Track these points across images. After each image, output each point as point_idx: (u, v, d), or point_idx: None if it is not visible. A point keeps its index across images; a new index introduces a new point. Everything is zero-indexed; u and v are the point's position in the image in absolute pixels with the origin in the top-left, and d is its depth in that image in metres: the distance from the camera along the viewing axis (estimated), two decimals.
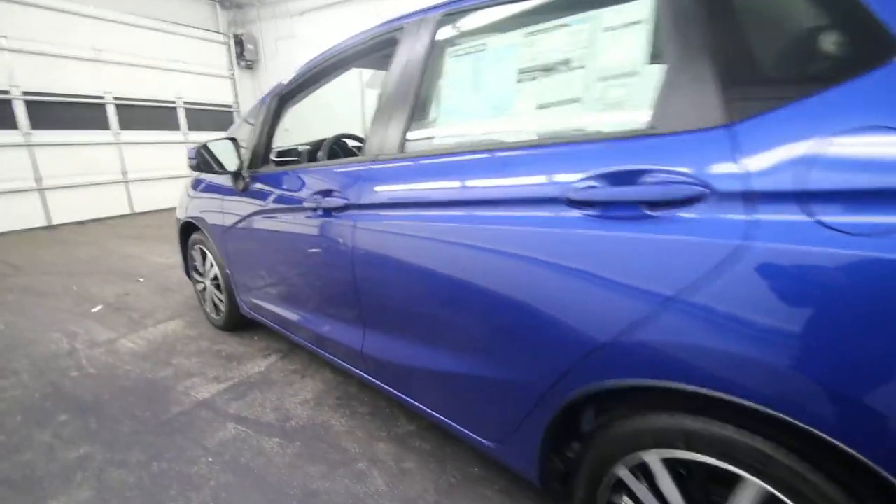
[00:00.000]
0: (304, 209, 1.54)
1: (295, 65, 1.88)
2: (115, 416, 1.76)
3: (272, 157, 2.04)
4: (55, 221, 5.75)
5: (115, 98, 6.16)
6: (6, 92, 5.18)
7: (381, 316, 1.36)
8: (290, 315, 1.83)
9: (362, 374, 1.53)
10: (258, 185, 1.86)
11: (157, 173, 6.63)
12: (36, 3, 5.30)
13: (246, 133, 2.00)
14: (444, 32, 1.25)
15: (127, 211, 6.49)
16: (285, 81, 1.84)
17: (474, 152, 1.08)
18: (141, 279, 3.57)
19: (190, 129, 7.06)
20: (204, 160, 1.85)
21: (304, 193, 1.56)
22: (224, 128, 7.55)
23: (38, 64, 5.37)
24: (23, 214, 5.43)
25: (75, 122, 5.78)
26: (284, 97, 1.87)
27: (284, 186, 1.70)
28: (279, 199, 1.71)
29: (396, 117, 1.28)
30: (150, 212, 6.77)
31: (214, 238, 2.24)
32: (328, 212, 1.44)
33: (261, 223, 1.83)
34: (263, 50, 7.64)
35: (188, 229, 2.56)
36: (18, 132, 5.31)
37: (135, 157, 6.43)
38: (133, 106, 6.38)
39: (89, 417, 1.75)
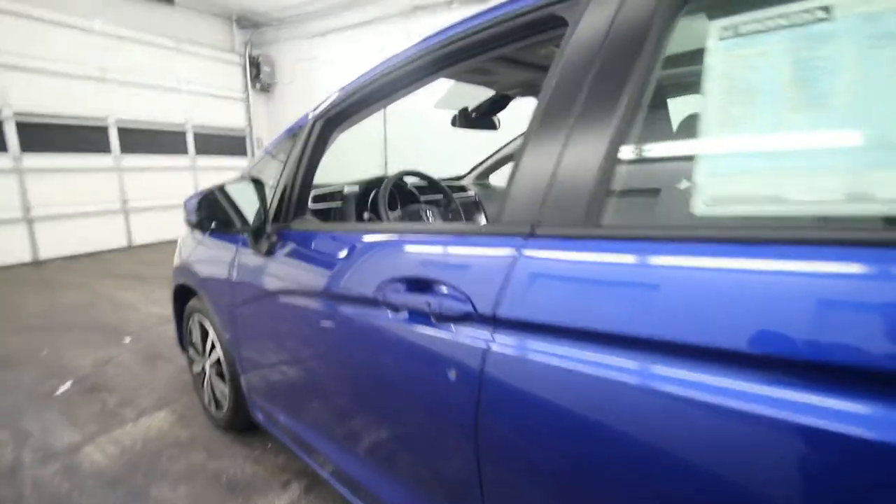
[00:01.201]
0: (373, 303, 0.89)
1: (315, 88, 1.29)
2: None
3: (310, 204, 1.41)
4: (43, 256, 5.15)
5: (119, 120, 5.65)
6: None
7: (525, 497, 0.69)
8: (339, 454, 1.15)
9: None
10: (290, 249, 1.22)
11: (160, 201, 6.06)
12: (35, 17, 4.84)
13: (271, 171, 1.38)
14: None
15: (124, 244, 5.89)
16: (336, 96, 1.21)
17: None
18: (128, 339, 2.91)
19: (198, 153, 6.54)
20: (212, 213, 1.21)
21: (371, 277, 0.92)
22: (235, 153, 7.03)
23: (34, 82, 4.88)
24: (5, 248, 4.83)
25: (72, 146, 5.25)
26: (334, 119, 1.24)
27: (334, 257, 1.05)
28: (326, 278, 1.06)
29: (598, 142, 0.64)
30: (150, 244, 6.17)
31: (220, 313, 1.59)
32: (425, 317, 0.79)
33: (292, 308, 1.18)
34: (281, 72, 7.19)
35: (186, 290, 1.91)
36: (7, 155, 4.76)
37: (137, 183, 5.88)
38: (137, 129, 5.86)
39: None
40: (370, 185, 1.61)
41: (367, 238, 0.99)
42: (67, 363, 2.56)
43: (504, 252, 0.70)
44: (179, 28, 6.32)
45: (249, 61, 7.09)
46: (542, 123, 0.70)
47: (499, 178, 2.56)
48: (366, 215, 1.49)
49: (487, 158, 2.41)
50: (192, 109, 6.45)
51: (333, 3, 6.11)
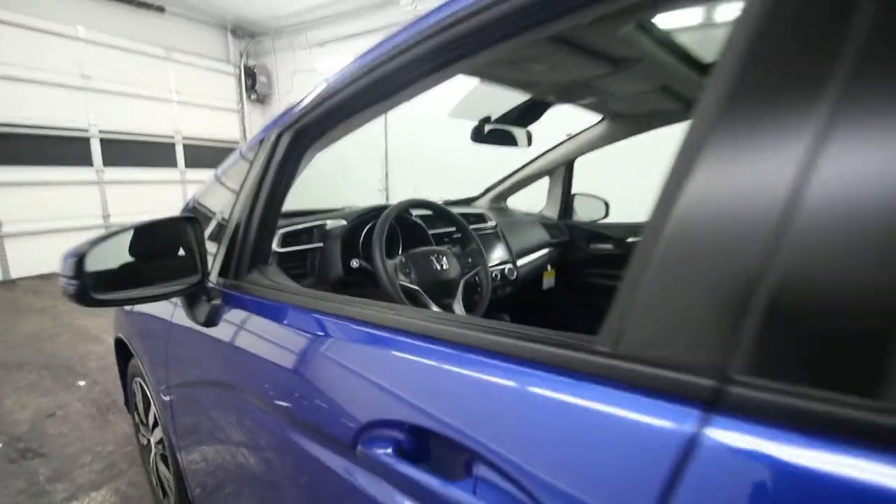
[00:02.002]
0: (358, 457, 0.50)
1: None
2: None
3: (276, 247, 1.02)
4: (14, 275, 4.75)
5: (102, 131, 5.30)
6: None
7: None
8: None
9: None
10: (239, 320, 0.83)
11: (145, 217, 5.67)
12: (11, 22, 4.52)
13: (220, 203, 1.00)
14: None
15: None
16: (310, 99, 0.83)
17: None
18: (82, 382, 2.50)
19: (188, 166, 6.18)
20: (109, 274, 0.80)
21: (358, 408, 0.52)
22: None
23: (9, 91, 4.53)
24: None
25: (50, 158, 4.89)
26: (308, 131, 0.86)
27: (300, 350, 0.66)
28: (287, 387, 0.67)
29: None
30: None
31: (157, 388, 1.19)
32: None
33: (242, 414, 0.79)
34: (278, 83, 6.88)
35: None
36: None
37: (120, 197, 5.51)
38: (122, 140, 5.51)
39: None
40: (362, 219, 1.23)
41: (353, 333, 0.60)
42: (4, 416, 2.15)
43: (655, 428, 0.31)
44: (171, 36, 6.02)
45: (245, 71, 6.78)
46: (728, 139, 0.31)
47: (519, 202, 2.18)
48: (354, 263, 1.10)
49: (506, 178, 2.04)
50: (182, 121, 6.11)
51: (332, 13, 5.82)
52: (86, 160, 5.22)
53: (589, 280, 2.00)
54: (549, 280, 1.92)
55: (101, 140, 5.32)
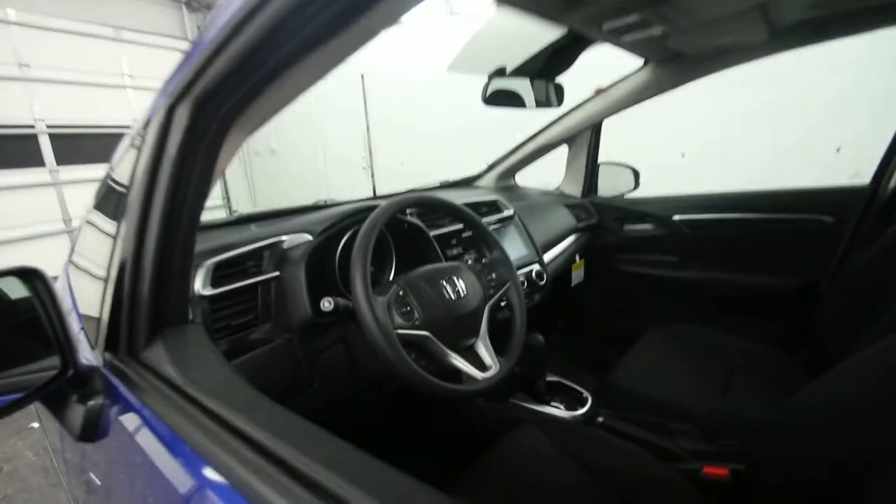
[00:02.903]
0: None
1: None
2: None
3: (200, 288, 0.66)
4: None
5: (50, 126, 4.76)
6: None
7: None
8: None
9: None
10: (139, 438, 0.48)
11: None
12: None
13: (98, 247, 0.63)
14: None
15: None
16: (201, 55, 0.44)
17: None
18: (36, 424, 2.15)
19: None
20: None
21: None
22: None
23: None
24: None
25: None
26: (210, 100, 0.48)
27: None
28: None
29: None
30: None
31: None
32: None
33: None
34: None
35: None
36: None
37: (81, 199, 5.02)
38: (75, 135, 4.98)
39: None
40: (336, 230, 0.85)
41: None
42: None
43: None
44: (119, 14, 5.38)
45: None
46: None
47: (529, 178, 1.80)
48: (326, 304, 0.73)
49: (515, 149, 1.66)
50: (138, 107, 5.54)
51: None
52: (36, 160, 4.70)
53: (623, 269, 1.65)
54: (577, 274, 1.57)
55: (51, 136, 4.78)
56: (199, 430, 0.42)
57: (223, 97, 0.49)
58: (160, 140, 0.54)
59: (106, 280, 0.62)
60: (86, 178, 5.12)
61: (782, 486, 0.67)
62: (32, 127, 4.71)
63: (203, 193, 0.58)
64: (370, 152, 5.50)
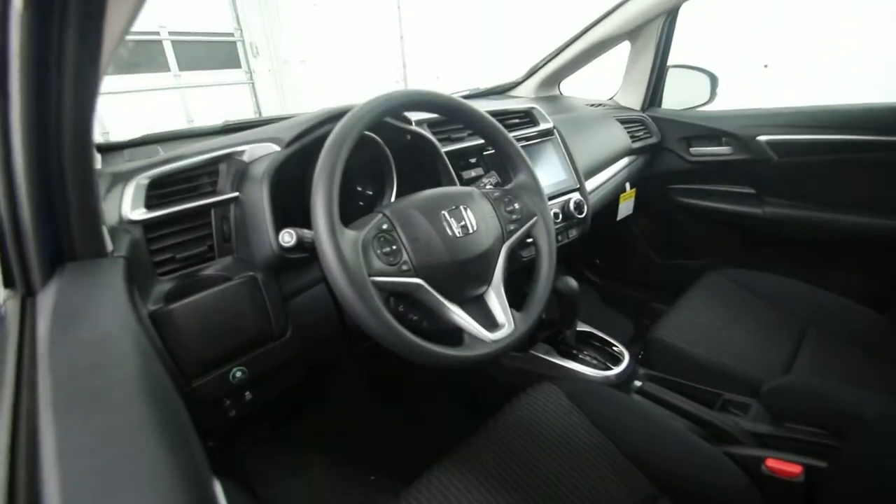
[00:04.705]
0: None
1: None
2: None
3: (129, 211, 0.51)
4: None
5: (172, 33, 4.67)
6: None
7: None
8: None
9: None
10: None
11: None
12: None
13: None
14: None
15: None
16: None
17: None
18: None
19: (182, 69, 5.47)
20: None
21: None
22: (227, 65, 5.93)
23: None
24: None
25: None
26: None
27: None
28: None
29: None
30: None
31: None
32: None
33: None
34: None
35: None
36: None
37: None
38: (193, 42, 4.93)
39: None
40: (312, 139, 0.65)
41: None
42: None
43: None
44: None
45: None
46: None
47: (575, 87, 1.49)
48: (286, 237, 0.55)
49: (561, 49, 1.34)
50: (164, 12, 5.27)
51: None
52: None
53: (684, 201, 1.38)
54: (626, 205, 1.32)
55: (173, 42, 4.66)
56: None
57: None
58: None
59: None
60: (205, 83, 5.16)
61: (868, 498, 0.50)
62: (157, 34, 4.71)
63: (89, 75, 0.40)
64: (404, 65, 5.07)
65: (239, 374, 0.60)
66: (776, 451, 0.67)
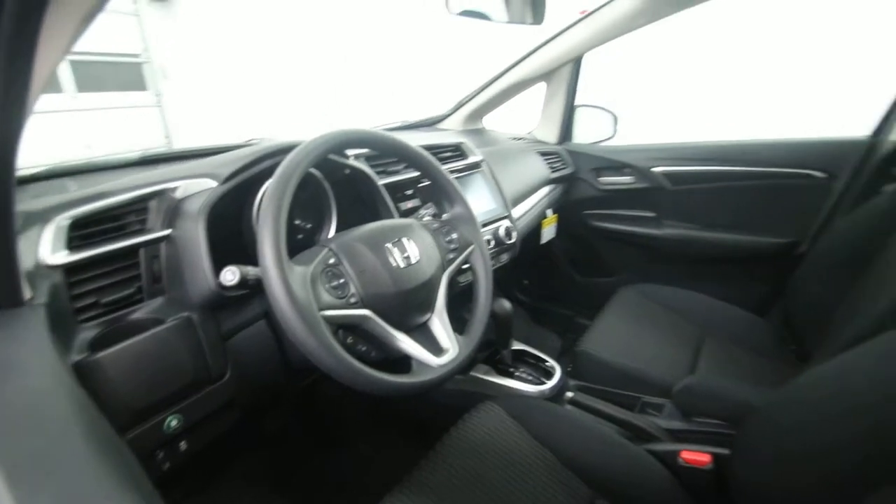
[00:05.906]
0: None
1: None
2: None
3: (48, 256, 0.47)
4: None
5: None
6: None
7: None
8: None
9: None
10: None
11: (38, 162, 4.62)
12: None
13: None
14: None
15: None
16: None
17: None
18: None
19: (80, 90, 5.00)
20: None
21: None
22: (131, 87, 5.50)
23: None
24: None
25: None
26: None
27: None
28: None
29: None
30: None
31: None
32: None
33: None
34: None
35: None
36: None
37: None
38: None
39: None
40: (251, 175, 0.65)
41: None
42: None
43: None
44: None
45: None
46: None
47: (498, 121, 1.61)
48: (229, 275, 0.56)
49: (485, 86, 1.46)
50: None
51: None
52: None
53: (597, 224, 1.53)
54: (549, 230, 1.44)
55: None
56: None
57: None
58: None
59: None
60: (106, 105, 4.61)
61: (764, 482, 0.59)
62: None
63: (16, 103, 0.37)
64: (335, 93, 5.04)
65: (174, 422, 0.57)
66: (689, 443, 0.77)
